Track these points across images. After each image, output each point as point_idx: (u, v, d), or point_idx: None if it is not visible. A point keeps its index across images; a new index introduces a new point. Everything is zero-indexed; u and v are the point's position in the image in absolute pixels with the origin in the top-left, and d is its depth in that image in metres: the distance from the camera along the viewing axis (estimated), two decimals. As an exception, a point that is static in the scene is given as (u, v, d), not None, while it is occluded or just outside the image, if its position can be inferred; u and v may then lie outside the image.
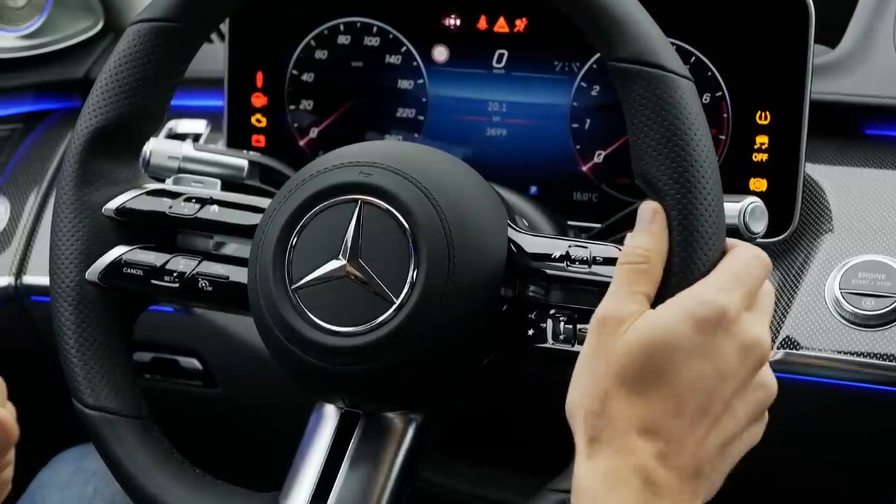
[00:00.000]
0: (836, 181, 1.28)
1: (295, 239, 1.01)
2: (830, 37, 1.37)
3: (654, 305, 0.91)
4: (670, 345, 0.87)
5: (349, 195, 1.00)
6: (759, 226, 1.12)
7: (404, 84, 1.36)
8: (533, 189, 1.32)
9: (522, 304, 1.02)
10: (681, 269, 0.93)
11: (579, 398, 0.89)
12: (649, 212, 0.93)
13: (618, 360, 0.87)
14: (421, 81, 1.35)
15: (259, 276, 1.02)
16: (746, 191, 1.25)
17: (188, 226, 1.12)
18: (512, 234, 1.03)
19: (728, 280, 0.91)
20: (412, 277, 0.98)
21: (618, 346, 0.87)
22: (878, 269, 1.20)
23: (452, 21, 1.33)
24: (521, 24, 1.31)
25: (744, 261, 0.93)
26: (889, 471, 1.27)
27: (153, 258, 1.11)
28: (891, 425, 1.23)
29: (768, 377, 0.92)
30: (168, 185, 1.16)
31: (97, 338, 1.10)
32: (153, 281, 1.11)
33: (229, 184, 1.26)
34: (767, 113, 1.24)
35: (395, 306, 0.98)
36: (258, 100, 1.41)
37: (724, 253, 0.94)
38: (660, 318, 0.88)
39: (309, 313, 1.00)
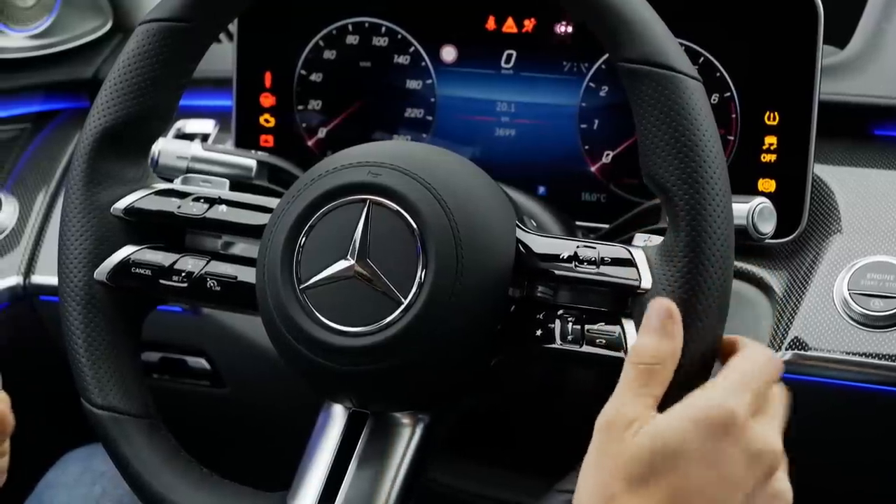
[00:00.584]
0: (844, 182, 1.28)
1: (303, 239, 1.01)
2: (839, 37, 1.36)
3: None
4: (678, 450, 0.85)
5: (358, 195, 1.00)
6: (768, 226, 1.13)
7: (413, 84, 1.36)
8: (541, 189, 1.32)
9: (530, 304, 1.02)
10: (689, 270, 0.93)
11: (587, 498, 0.87)
12: (663, 310, 0.91)
13: (626, 464, 0.86)
14: (429, 82, 1.35)
15: (267, 276, 1.02)
16: (755, 191, 1.25)
17: (197, 226, 1.12)
18: (520, 234, 1.03)
19: (736, 382, 0.89)
20: (420, 278, 0.98)
21: (626, 449, 0.86)
22: (887, 269, 1.20)
23: (461, 21, 1.33)
24: (529, 24, 1.31)
25: (753, 361, 0.91)
26: (896, 472, 1.27)
27: (161, 258, 1.11)
28: (898, 426, 1.23)
29: (783, 486, 0.90)
30: (176, 184, 1.16)
31: (105, 337, 1.10)
32: (161, 281, 1.11)
33: (238, 184, 1.26)
34: (776, 113, 1.24)
35: (403, 306, 0.98)
36: (266, 100, 1.41)
37: (729, 349, 0.94)
38: (669, 423, 0.87)
39: (317, 313, 1.00)
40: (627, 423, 0.87)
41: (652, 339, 0.91)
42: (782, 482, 0.90)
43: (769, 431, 0.89)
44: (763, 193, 1.24)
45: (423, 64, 1.35)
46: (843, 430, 1.27)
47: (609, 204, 1.30)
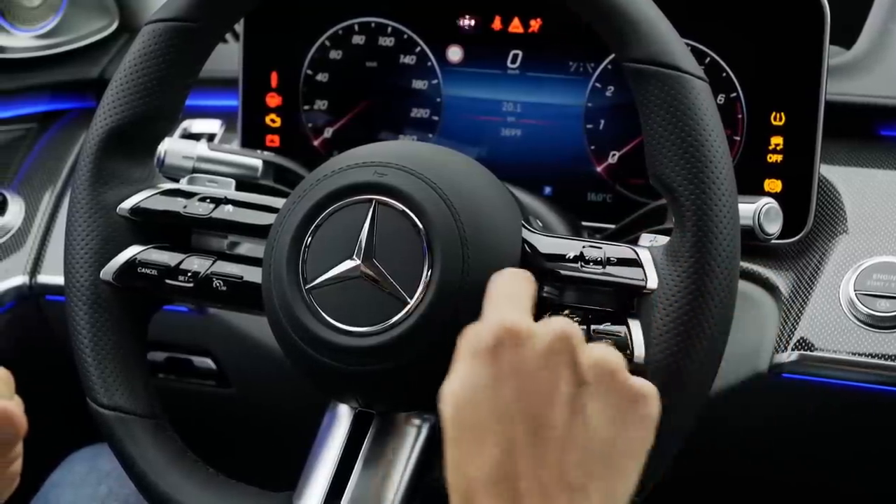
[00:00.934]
0: (850, 182, 1.28)
1: (309, 239, 1.01)
2: (845, 38, 1.36)
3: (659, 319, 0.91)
4: (468, 392, 0.83)
5: (363, 195, 1.00)
6: (774, 227, 1.13)
7: (419, 84, 1.36)
8: (547, 189, 1.32)
9: (536, 304, 1.02)
10: (696, 270, 0.93)
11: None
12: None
13: (447, 434, 0.84)
14: (435, 82, 1.35)
15: (273, 276, 1.02)
16: (761, 192, 1.25)
17: (203, 225, 1.12)
18: (526, 234, 1.03)
19: (496, 306, 0.87)
20: (426, 277, 0.98)
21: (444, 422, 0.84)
22: (893, 270, 1.20)
23: (467, 21, 1.33)
24: (535, 24, 1.31)
25: (503, 281, 0.90)
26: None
27: (167, 258, 1.11)
28: (905, 427, 1.23)
29: (637, 384, 0.84)
30: (182, 184, 1.16)
31: (111, 337, 1.10)
32: (167, 281, 1.11)
33: (244, 184, 1.26)
34: (782, 114, 1.24)
35: (409, 306, 0.98)
36: (273, 100, 1.41)
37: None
38: (450, 378, 0.84)
39: (323, 313, 1.00)
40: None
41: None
42: (637, 381, 0.84)
43: (559, 323, 0.84)
44: (769, 194, 1.24)
45: (429, 64, 1.35)
46: (848, 430, 1.27)
47: (615, 204, 1.30)
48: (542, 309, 1.01)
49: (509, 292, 0.89)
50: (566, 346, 0.82)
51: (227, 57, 1.43)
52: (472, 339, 0.84)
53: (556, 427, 0.81)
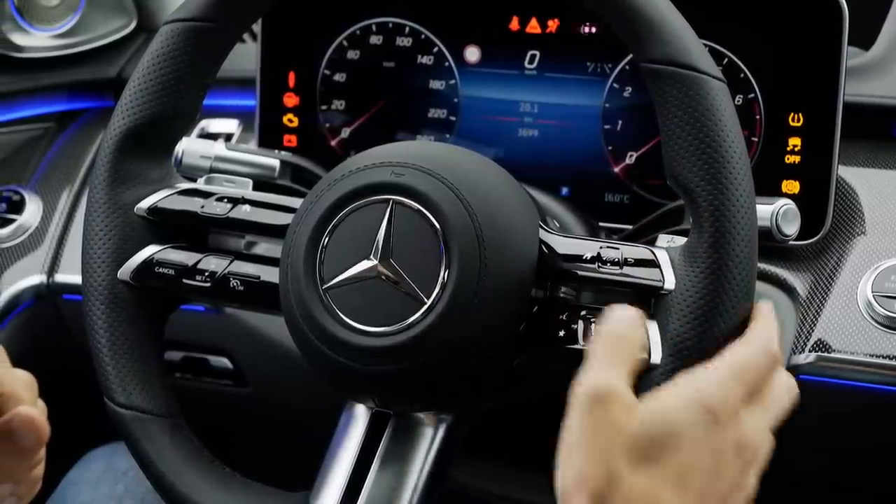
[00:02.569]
0: (868, 183, 1.28)
1: (326, 239, 1.01)
2: (864, 39, 1.36)
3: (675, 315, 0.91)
4: (681, 431, 0.84)
5: (381, 195, 1.00)
6: (792, 228, 1.12)
7: (436, 84, 1.36)
8: (564, 190, 1.32)
9: (553, 305, 1.02)
10: (713, 271, 0.93)
11: (578, 480, 0.83)
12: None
13: (630, 440, 0.83)
14: (453, 82, 1.35)
15: (290, 276, 1.02)
16: (779, 193, 1.24)
17: (220, 225, 1.12)
18: (543, 235, 1.03)
19: (730, 372, 0.88)
20: (443, 278, 0.98)
21: (628, 424, 0.84)
22: (912, 272, 1.20)
23: (485, 22, 1.33)
24: (553, 24, 1.30)
25: (750, 353, 0.91)
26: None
27: (185, 258, 1.11)
28: (923, 429, 1.23)
29: (749, 479, 0.89)
30: (200, 184, 1.16)
31: (129, 337, 1.10)
32: (185, 280, 1.11)
33: (261, 183, 1.27)
34: (800, 115, 1.24)
35: (426, 307, 0.98)
36: (290, 100, 1.41)
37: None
38: (671, 402, 0.85)
39: (340, 313, 1.00)
40: (615, 397, 0.84)
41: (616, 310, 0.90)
42: (750, 476, 0.89)
43: (758, 423, 0.89)
44: (787, 195, 1.24)
45: (447, 64, 1.35)
46: (866, 432, 1.26)
47: (632, 205, 1.30)
48: (559, 310, 1.01)
49: (754, 365, 0.90)
50: (752, 454, 0.89)
51: (245, 57, 1.43)
52: (707, 387, 0.87)
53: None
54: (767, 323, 0.95)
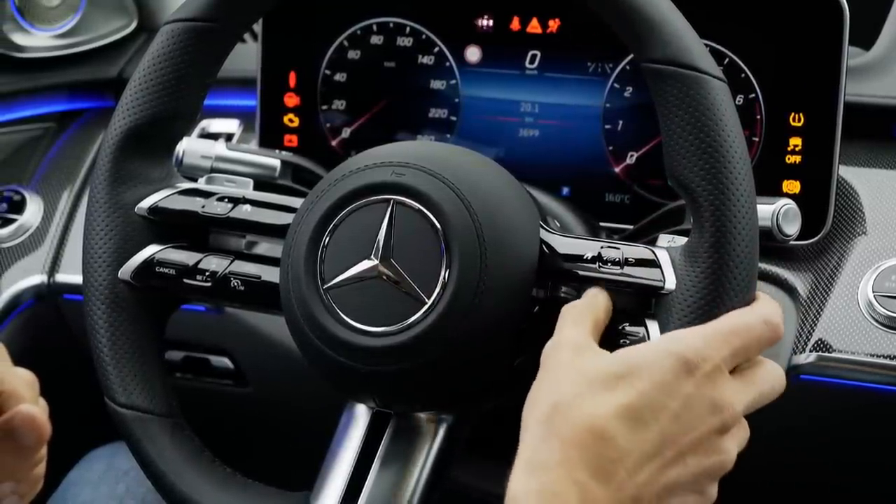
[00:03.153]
0: (869, 183, 1.28)
1: (327, 239, 1.01)
2: (865, 39, 1.36)
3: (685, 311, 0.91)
4: (644, 370, 0.86)
5: (381, 195, 1.00)
6: (792, 228, 1.12)
7: (437, 84, 1.36)
8: (565, 190, 1.32)
9: (554, 304, 1.02)
10: (714, 271, 0.93)
11: (532, 404, 0.89)
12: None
13: (590, 373, 0.87)
14: (453, 82, 1.35)
15: (291, 276, 1.02)
16: (779, 193, 1.24)
17: (221, 225, 1.12)
18: (544, 234, 1.02)
19: (721, 334, 0.90)
20: (444, 278, 0.98)
21: (589, 363, 0.87)
22: (912, 272, 1.20)
23: (485, 22, 1.33)
24: (553, 24, 1.30)
25: (748, 322, 0.91)
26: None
27: (185, 257, 1.11)
28: (923, 429, 1.23)
29: (728, 447, 0.90)
30: (201, 184, 1.16)
31: (129, 336, 1.10)
32: (185, 280, 1.11)
33: (261, 183, 1.27)
34: (801, 115, 1.24)
35: (426, 306, 0.98)
36: (291, 99, 1.41)
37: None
38: (642, 348, 0.88)
39: (340, 313, 1.00)
40: (577, 346, 0.90)
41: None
42: (730, 443, 0.89)
43: (737, 393, 0.89)
44: (787, 195, 1.24)
45: (448, 64, 1.35)
46: (866, 431, 1.27)
47: (633, 205, 1.30)
48: (559, 309, 1.01)
49: (741, 332, 0.91)
50: (726, 418, 0.89)
51: (246, 57, 1.43)
52: (685, 342, 0.89)
53: (668, 457, 0.87)
54: (771, 301, 0.95)
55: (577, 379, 0.87)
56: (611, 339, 0.98)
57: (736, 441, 0.90)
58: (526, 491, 0.85)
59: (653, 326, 0.97)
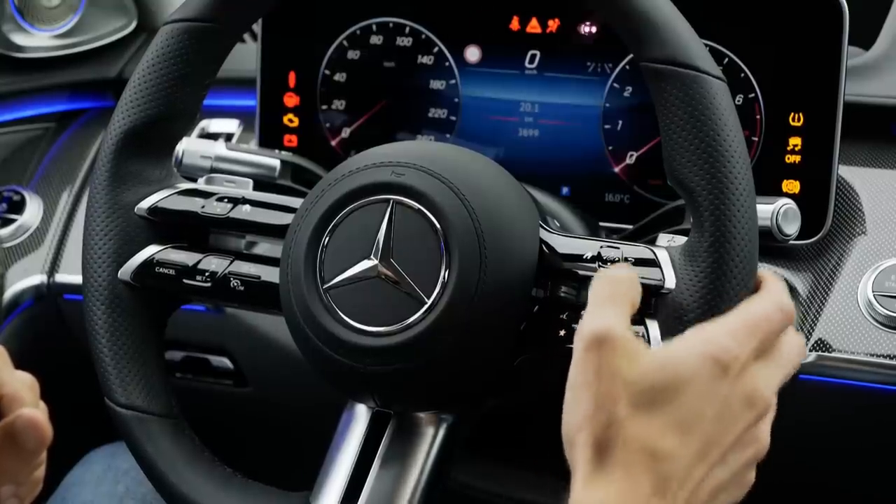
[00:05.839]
0: (869, 183, 1.28)
1: (327, 239, 1.01)
2: (864, 38, 1.36)
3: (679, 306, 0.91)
4: (685, 380, 0.85)
5: (381, 195, 1.00)
6: (792, 227, 1.12)
7: (436, 84, 1.36)
8: (565, 190, 1.32)
9: (554, 304, 1.02)
10: (713, 271, 0.93)
11: (580, 421, 0.85)
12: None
13: (632, 386, 0.84)
14: (453, 82, 1.35)
15: (291, 276, 1.02)
16: (779, 192, 1.24)
17: (220, 225, 1.12)
18: (543, 234, 1.03)
19: (744, 326, 0.89)
20: (444, 278, 0.98)
21: (632, 371, 0.85)
22: (912, 271, 1.20)
23: (485, 21, 1.33)
24: (553, 24, 1.30)
25: (765, 307, 0.91)
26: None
27: (185, 258, 1.11)
28: (923, 429, 1.23)
29: (763, 433, 0.90)
30: (200, 184, 1.16)
31: (129, 337, 1.10)
32: (185, 280, 1.11)
33: (261, 183, 1.27)
34: (801, 115, 1.24)
35: (426, 306, 0.98)
36: (290, 100, 1.41)
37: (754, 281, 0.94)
38: (678, 352, 0.86)
39: (340, 313, 1.00)
40: (616, 340, 0.85)
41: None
42: (763, 430, 0.90)
43: (768, 379, 0.89)
44: (787, 194, 1.24)
45: (447, 64, 1.35)
46: (866, 431, 1.26)
47: (633, 205, 1.30)
48: (559, 309, 1.02)
49: (761, 323, 0.90)
50: (761, 407, 0.89)
51: (245, 57, 1.43)
52: (715, 342, 0.87)
53: (714, 458, 0.87)
54: (777, 282, 0.95)
55: (622, 394, 0.84)
56: None
57: (768, 424, 0.90)
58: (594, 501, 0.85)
59: (652, 326, 0.97)
